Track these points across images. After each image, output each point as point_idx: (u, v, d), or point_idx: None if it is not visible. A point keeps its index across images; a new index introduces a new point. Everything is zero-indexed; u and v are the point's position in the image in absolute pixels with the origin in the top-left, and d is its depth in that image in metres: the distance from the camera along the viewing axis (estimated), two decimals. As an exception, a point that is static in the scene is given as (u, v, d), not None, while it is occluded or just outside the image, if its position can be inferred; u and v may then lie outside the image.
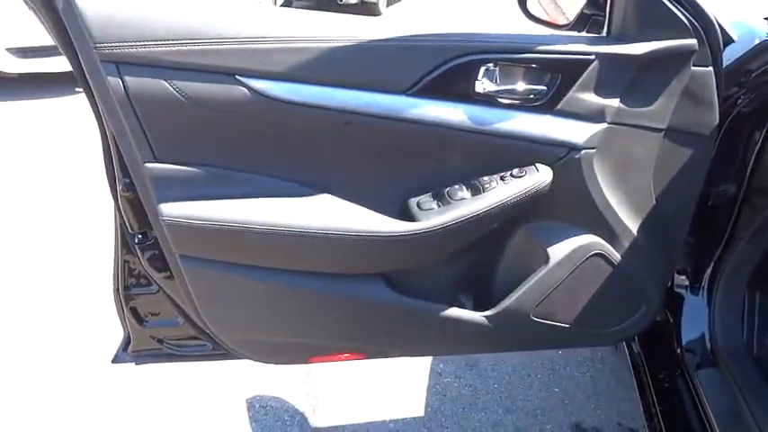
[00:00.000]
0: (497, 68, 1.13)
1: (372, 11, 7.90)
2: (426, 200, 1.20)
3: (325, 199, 1.19)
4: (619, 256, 1.27)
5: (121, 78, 1.05)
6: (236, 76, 1.07)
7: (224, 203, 1.15)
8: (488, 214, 1.16)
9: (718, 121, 1.19)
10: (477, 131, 1.15)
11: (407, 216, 1.20)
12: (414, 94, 1.12)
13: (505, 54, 1.12)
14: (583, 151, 1.16)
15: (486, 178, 1.18)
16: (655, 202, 1.26)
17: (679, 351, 1.44)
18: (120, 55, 1.04)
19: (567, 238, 1.25)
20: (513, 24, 1.21)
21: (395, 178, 1.22)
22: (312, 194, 1.19)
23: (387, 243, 1.17)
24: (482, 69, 1.12)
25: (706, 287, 1.46)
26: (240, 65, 1.07)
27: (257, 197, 1.16)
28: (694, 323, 1.46)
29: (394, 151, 1.19)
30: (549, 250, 1.25)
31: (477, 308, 1.34)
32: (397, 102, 1.13)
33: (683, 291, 1.50)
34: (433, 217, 1.17)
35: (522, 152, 1.17)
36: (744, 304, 1.42)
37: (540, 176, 1.16)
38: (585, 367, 2.05)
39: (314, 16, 1.14)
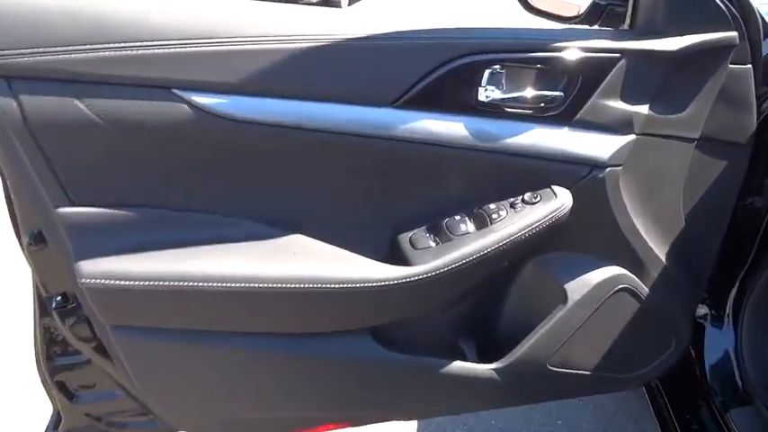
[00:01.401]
0: (504, 71, 0.91)
1: (333, 5, 7.45)
2: (421, 235, 0.98)
3: (295, 241, 0.95)
4: (646, 289, 1.08)
5: (15, 98, 0.78)
6: (173, 90, 0.82)
7: (162, 255, 0.88)
8: (498, 252, 0.94)
9: (755, 126, 1.01)
10: (480, 149, 0.93)
11: (399, 257, 0.97)
12: (402, 106, 0.90)
13: (514, 54, 0.91)
14: (608, 169, 0.96)
15: (492, 206, 0.96)
16: (684, 222, 1.08)
17: (705, 387, 1.26)
18: (11, 67, 0.77)
19: (587, 272, 1.04)
20: (508, 18, 1.00)
21: (381, 210, 0.98)
22: (278, 236, 0.94)
23: (375, 294, 0.94)
24: (486, 73, 0.91)
25: (730, 313, 1.28)
26: (177, 75, 0.82)
27: (206, 243, 0.91)
28: (720, 355, 1.28)
29: (379, 177, 0.96)
30: (567, 288, 1.04)
31: (481, 358, 1.11)
32: (382, 116, 0.90)
33: (703, 319, 1.32)
34: (430, 259, 0.94)
35: (535, 172, 0.96)
36: None
37: (558, 202, 0.95)
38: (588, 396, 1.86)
39: (272, 9, 0.89)
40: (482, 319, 1.12)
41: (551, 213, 0.94)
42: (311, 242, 0.95)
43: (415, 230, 0.99)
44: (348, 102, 0.89)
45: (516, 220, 0.95)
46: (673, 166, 1.02)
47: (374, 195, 0.97)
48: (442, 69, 0.89)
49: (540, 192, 0.96)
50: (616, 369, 1.16)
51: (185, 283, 0.87)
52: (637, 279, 1.07)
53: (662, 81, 0.94)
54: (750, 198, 1.22)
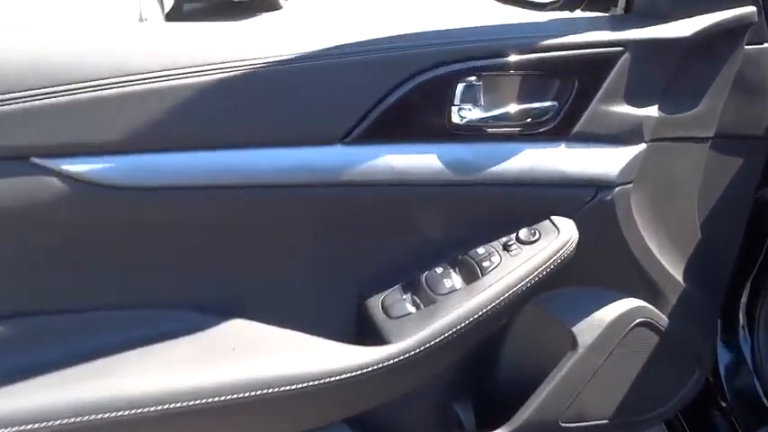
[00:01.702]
0: (481, 83, 0.71)
1: (272, 5, 6.92)
2: (396, 298, 0.77)
3: (232, 331, 0.72)
4: (665, 318, 0.91)
5: None
6: (32, 160, 0.58)
7: (47, 380, 0.64)
8: (496, 310, 0.74)
9: None
10: (459, 183, 0.74)
11: (371, 330, 0.76)
12: (355, 142, 0.69)
13: (491, 59, 0.71)
14: (617, 189, 0.78)
15: (481, 251, 0.77)
16: (700, 234, 0.91)
17: (726, 408, 1.11)
18: None
19: (599, 309, 0.86)
20: (474, 14, 0.80)
21: (342, 271, 0.77)
22: (206, 328, 0.71)
23: (346, 386, 0.72)
24: (458, 87, 0.70)
25: (744, 323, 1.14)
26: (34, 139, 0.58)
27: (106, 354, 0.67)
28: (737, 370, 1.13)
29: (335, 232, 0.75)
30: (576, 330, 0.85)
31: (481, 425, 0.92)
32: (331, 156, 0.69)
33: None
34: (412, 330, 0.73)
35: (529, 203, 0.77)
36: None
37: (562, 237, 0.76)
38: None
39: (162, 32, 0.66)
40: (478, 378, 0.93)
41: (556, 253, 0.75)
42: (254, 329, 0.73)
43: (388, 291, 0.78)
44: (283, 144, 0.67)
45: (513, 266, 0.75)
46: (686, 173, 0.85)
47: (330, 256, 0.76)
48: (402, 89, 0.68)
49: (537, 227, 0.77)
50: (637, 411, 0.99)
51: (72, 420, 0.62)
52: (654, 309, 0.90)
53: (672, 74, 0.76)
54: (761, 190, 1.07)
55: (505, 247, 0.77)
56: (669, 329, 0.91)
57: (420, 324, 0.73)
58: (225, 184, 0.65)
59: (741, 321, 1.14)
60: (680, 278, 0.91)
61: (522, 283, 0.75)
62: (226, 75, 0.63)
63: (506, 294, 0.74)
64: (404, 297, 0.77)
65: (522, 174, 0.75)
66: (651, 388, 0.96)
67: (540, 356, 0.89)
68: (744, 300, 1.13)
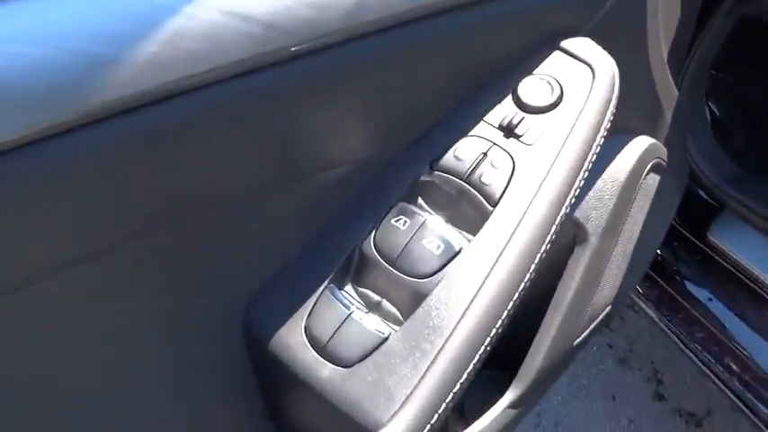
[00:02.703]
0: None
1: None
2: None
3: None
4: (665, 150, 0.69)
5: None
6: None
7: None
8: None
9: None
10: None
11: None
12: None
13: None
14: None
15: (464, 152, 0.48)
16: None
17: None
18: None
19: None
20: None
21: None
22: None
23: None
24: None
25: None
26: None
27: None
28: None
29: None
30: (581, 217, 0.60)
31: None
32: None
33: None
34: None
35: (514, 25, 0.50)
36: None
37: (601, 82, 0.48)
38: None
39: None
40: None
41: (602, 113, 0.47)
42: None
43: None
44: None
45: (539, 169, 0.46)
46: None
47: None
48: None
49: (545, 71, 0.48)
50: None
51: None
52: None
53: None
54: None
55: (509, 133, 0.47)
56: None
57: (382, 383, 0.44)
58: None
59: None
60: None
61: (571, 191, 0.46)
62: None
63: (551, 228, 0.45)
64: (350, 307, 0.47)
65: None
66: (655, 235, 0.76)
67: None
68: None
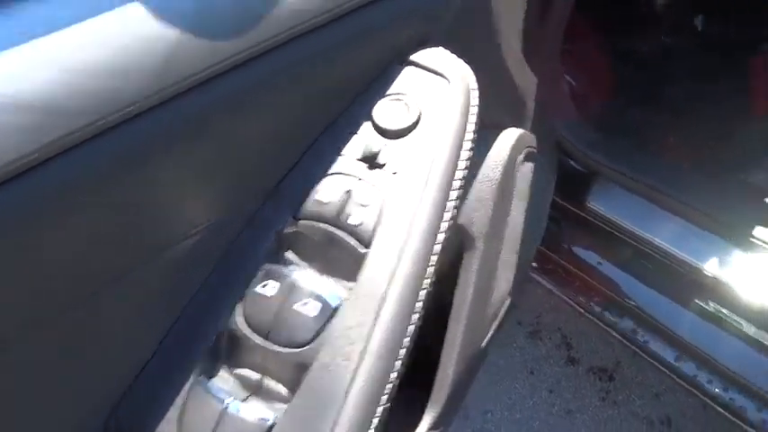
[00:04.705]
0: None
1: None
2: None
3: None
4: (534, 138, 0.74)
5: None
6: None
7: None
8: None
9: None
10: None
11: None
12: None
13: None
14: None
15: (327, 186, 0.45)
16: None
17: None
18: None
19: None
20: None
21: None
22: None
23: None
24: None
25: None
26: None
27: None
28: None
29: None
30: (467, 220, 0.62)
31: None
32: None
33: None
34: None
35: (358, 40, 0.46)
36: None
37: (456, 92, 0.47)
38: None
39: None
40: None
41: (462, 129, 0.45)
42: None
43: None
44: None
45: (408, 198, 0.43)
46: None
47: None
48: None
49: (397, 89, 0.46)
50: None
51: None
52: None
53: None
54: None
55: (371, 164, 0.44)
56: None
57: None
58: None
59: None
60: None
61: (447, 212, 0.43)
62: None
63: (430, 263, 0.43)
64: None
65: None
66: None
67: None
68: None
